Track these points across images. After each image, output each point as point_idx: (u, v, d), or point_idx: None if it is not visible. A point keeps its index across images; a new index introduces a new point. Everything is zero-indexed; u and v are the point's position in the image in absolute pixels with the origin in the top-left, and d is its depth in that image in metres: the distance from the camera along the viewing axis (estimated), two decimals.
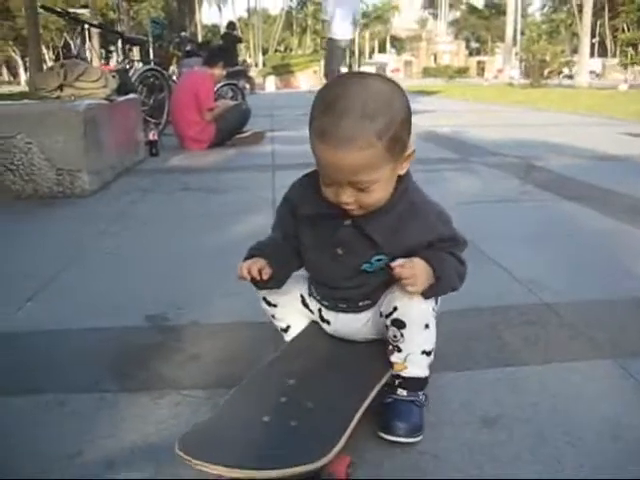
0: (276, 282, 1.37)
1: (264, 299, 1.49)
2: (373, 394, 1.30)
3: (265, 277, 1.31)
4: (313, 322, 1.53)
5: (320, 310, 1.46)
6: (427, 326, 1.29)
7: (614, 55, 50.72)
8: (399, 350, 1.31)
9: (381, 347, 1.37)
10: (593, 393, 1.46)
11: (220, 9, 61.50)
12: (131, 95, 5.25)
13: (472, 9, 55.44)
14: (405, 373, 1.33)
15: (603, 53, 47.19)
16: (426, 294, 1.26)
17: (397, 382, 1.34)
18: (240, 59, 17.53)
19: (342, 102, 1.14)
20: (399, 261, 1.23)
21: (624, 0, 49.03)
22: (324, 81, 9.51)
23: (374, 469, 1.20)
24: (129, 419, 1.37)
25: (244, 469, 1.06)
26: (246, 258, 1.36)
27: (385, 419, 1.30)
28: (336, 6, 8.60)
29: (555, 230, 2.90)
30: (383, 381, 1.34)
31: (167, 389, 1.49)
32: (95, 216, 3.38)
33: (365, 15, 69.66)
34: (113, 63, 6.83)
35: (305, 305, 1.49)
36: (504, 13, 35.83)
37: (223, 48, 7.06)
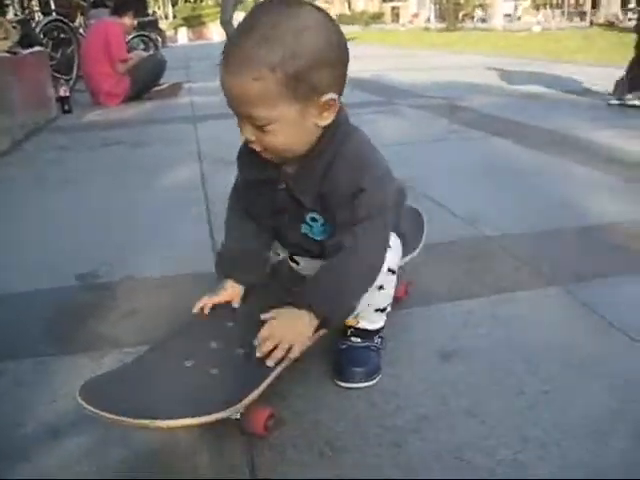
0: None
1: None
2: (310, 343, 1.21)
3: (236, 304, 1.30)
4: (277, 263, 1.43)
5: (291, 255, 1.38)
6: (381, 287, 1.22)
7: None
8: None
9: None
10: (544, 320, 1.47)
11: None
12: (37, 48, 4.92)
13: None
14: (357, 326, 1.29)
15: None
16: (326, 327, 1.14)
17: (350, 332, 1.30)
18: (150, 11, 16.81)
19: (249, 25, 1.02)
20: (265, 316, 1.13)
21: None
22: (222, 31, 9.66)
23: (334, 413, 1.16)
24: (70, 382, 1.27)
25: (141, 418, 0.98)
26: (217, 266, 1.33)
27: (340, 366, 1.26)
28: None
29: (486, 165, 2.91)
30: (315, 336, 1.22)
31: (107, 347, 1.40)
32: (10, 177, 3.17)
33: None
34: (10, 16, 6.33)
35: (276, 253, 1.40)
36: None
37: None
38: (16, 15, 6.82)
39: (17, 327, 1.55)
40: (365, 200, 1.12)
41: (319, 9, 1.07)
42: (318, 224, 1.20)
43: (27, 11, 6.54)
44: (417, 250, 1.49)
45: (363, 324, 1.28)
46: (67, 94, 5.33)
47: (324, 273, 1.14)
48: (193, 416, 1.00)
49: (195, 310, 1.27)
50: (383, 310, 1.28)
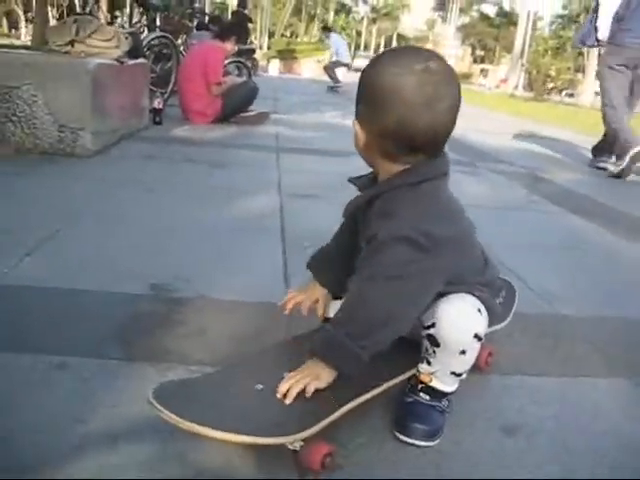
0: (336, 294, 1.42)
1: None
2: (378, 390, 1.23)
3: (320, 310, 1.41)
4: None
5: None
6: (463, 352, 1.20)
7: None
8: (428, 363, 1.25)
9: (411, 348, 1.28)
10: (612, 410, 1.42)
11: None
12: (141, 60, 5.13)
13: (483, 16, 55.44)
14: (430, 384, 1.27)
15: None
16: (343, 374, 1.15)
17: (420, 387, 1.27)
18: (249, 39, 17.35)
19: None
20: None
21: None
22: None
23: (389, 467, 1.15)
24: (133, 390, 1.29)
25: (214, 428, 1.01)
26: (308, 267, 1.46)
27: (403, 419, 1.24)
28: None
29: (564, 242, 2.86)
30: (395, 381, 1.27)
31: (173, 362, 1.42)
32: (97, 177, 3.28)
33: (375, 10, 69.40)
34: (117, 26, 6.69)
35: None
36: (514, 24, 35.86)
37: (237, 23, 6.92)
38: (123, 27, 7.16)
39: (86, 325, 1.58)
40: (375, 251, 1.13)
41: (439, 70, 1.12)
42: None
43: (138, 25, 6.84)
44: (506, 321, 1.47)
45: (435, 384, 1.26)
46: (160, 107, 5.52)
47: (331, 323, 1.18)
48: (252, 435, 1.02)
49: (282, 304, 1.40)
50: (459, 375, 1.25)
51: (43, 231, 2.25)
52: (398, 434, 1.23)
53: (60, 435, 1.14)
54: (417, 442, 1.21)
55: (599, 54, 5.45)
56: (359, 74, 1.17)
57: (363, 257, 1.18)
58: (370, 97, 1.14)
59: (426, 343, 1.22)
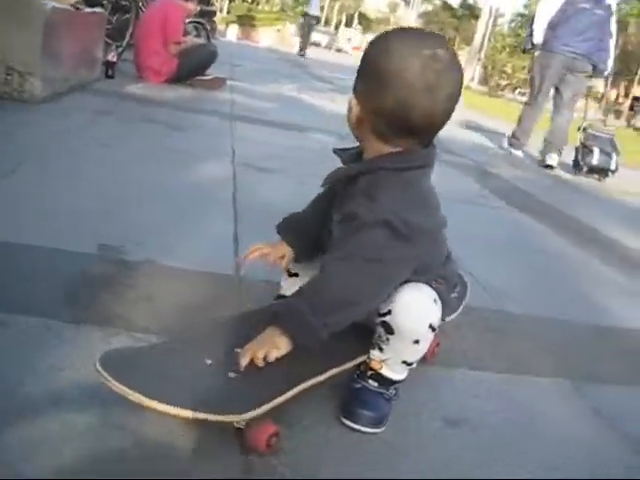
0: (301, 259, 1.42)
1: (287, 271, 1.48)
2: (328, 374, 1.21)
3: (284, 265, 1.41)
4: None
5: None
6: (417, 342, 1.19)
7: None
8: (380, 350, 1.23)
9: (363, 334, 1.27)
10: (550, 410, 1.46)
11: None
12: (98, 9, 4.93)
13: (446, 5, 55.75)
14: (380, 371, 1.26)
15: None
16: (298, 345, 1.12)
17: (370, 373, 1.27)
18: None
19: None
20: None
21: None
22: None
23: (333, 451, 1.14)
24: (77, 354, 1.25)
25: (161, 402, 0.99)
26: (277, 230, 1.43)
27: (350, 405, 1.24)
28: None
29: (512, 240, 2.91)
30: (344, 367, 1.26)
31: (119, 328, 1.37)
32: (46, 127, 3.15)
33: None
34: None
35: None
36: (475, 17, 36.16)
37: None
38: None
39: (31, 282, 1.51)
40: (355, 231, 1.13)
41: (444, 52, 1.12)
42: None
43: None
44: (456, 314, 1.48)
45: (386, 371, 1.25)
46: (114, 60, 5.33)
47: (294, 294, 1.17)
48: (200, 411, 1.00)
49: (248, 254, 1.38)
50: (410, 364, 1.25)
51: None
52: (344, 419, 1.23)
53: (2, 396, 1.09)
54: (363, 428, 1.21)
55: (533, 58, 5.97)
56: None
57: (340, 235, 1.18)
58: (372, 74, 1.12)
59: (380, 330, 1.21)
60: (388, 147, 1.17)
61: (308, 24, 15.52)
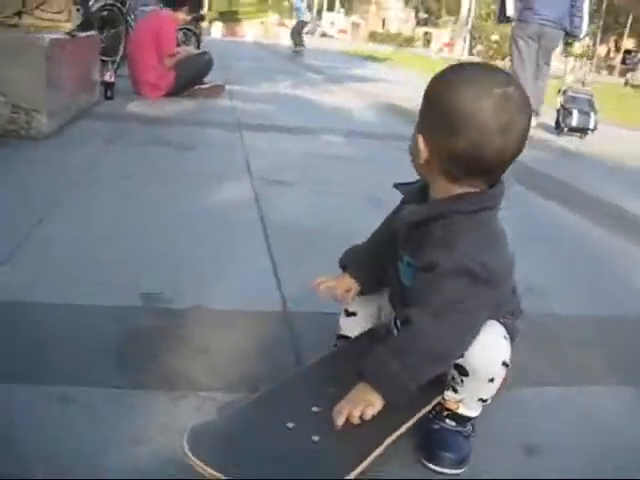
0: (366, 292, 1.40)
1: (345, 310, 1.45)
2: (409, 423, 1.19)
3: (349, 298, 1.37)
4: (382, 325, 1.42)
5: (396, 318, 1.36)
6: (492, 380, 1.17)
7: None
8: (455, 391, 1.21)
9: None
10: (625, 422, 1.43)
11: None
12: (93, 32, 4.89)
13: None
14: (457, 411, 1.23)
15: None
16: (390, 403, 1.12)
17: (446, 413, 1.24)
18: None
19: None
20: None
21: None
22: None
23: None
24: (150, 423, 1.23)
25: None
26: (340, 264, 1.41)
27: (431, 447, 1.22)
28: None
29: (538, 230, 2.88)
30: (424, 411, 1.24)
31: (183, 389, 1.35)
32: (57, 163, 3.12)
33: None
34: None
35: (391, 301, 1.39)
36: None
37: None
38: None
39: (80, 347, 1.48)
40: (438, 280, 1.10)
41: (510, 93, 1.09)
42: (410, 269, 1.22)
43: None
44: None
45: (462, 410, 1.23)
46: (112, 80, 5.29)
47: (384, 350, 1.13)
48: None
49: (315, 284, 1.37)
50: (485, 401, 1.23)
51: (13, 232, 2.12)
52: (426, 462, 1.21)
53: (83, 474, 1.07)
54: (446, 470, 1.19)
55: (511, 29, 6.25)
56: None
57: (422, 287, 1.14)
58: (442, 115, 1.10)
59: (453, 372, 1.19)
60: (457, 187, 1.14)
61: (299, 27, 16.57)
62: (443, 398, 1.24)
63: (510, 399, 1.46)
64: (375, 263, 1.36)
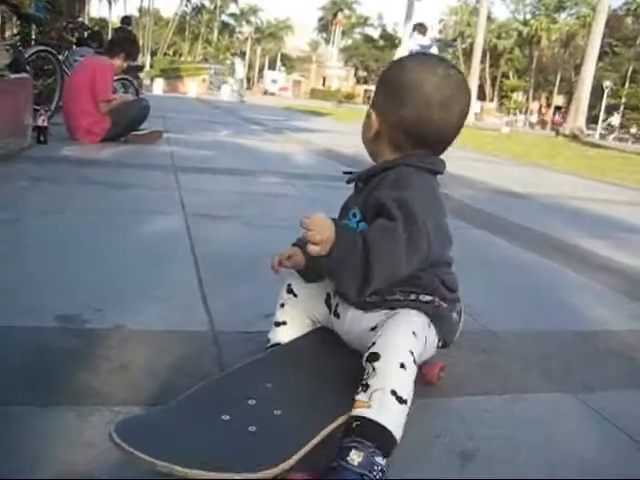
0: (309, 275, 1.40)
1: (288, 285, 1.43)
2: (344, 418, 1.13)
3: (290, 264, 1.37)
4: (318, 329, 1.42)
5: (337, 306, 1.37)
6: (402, 365, 1.09)
7: (491, 100, 54.16)
8: (366, 387, 1.10)
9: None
10: (563, 428, 1.39)
11: (110, 4, 59.22)
12: (24, 74, 4.80)
13: (366, 38, 57.23)
14: (367, 413, 1.07)
15: (481, 97, 50.25)
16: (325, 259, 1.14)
17: (354, 426, 1.07)
18: None
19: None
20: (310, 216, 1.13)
21: (503, 52, 52.73)
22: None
23: None
24: (56, 440, 1.12)
25: (181, 466, 0.93)
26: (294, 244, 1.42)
27: None
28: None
29: (474, 258, 2.88)
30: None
31: (96, 404, 1.25)
32: None
33: (258, 31, 69.87)
34: None
35: (327, 304, 1.41)
36: (395, 46, 37.20)
37: (126, 39, 6.64)
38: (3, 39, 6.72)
39: None
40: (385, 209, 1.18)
41: (448, 70, 1.28)
42: (354, 221, 1.29)
43: (18, 37, 6.43)
44: (457, 334, 1.43)
45: (374, 411, 1.07)
46: (45, 124, 5.18)
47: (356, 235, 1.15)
48: (229, 472, 0.95)
49: (275, 264, 1.38)
50: (401, 400, 1.08)
51: None
52: None
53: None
54: None
55: None
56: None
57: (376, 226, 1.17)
58: (393, 90, 1.27)
59: (366, 367, 1.13)
60: (391, 153, 1.30)
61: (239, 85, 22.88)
62: (353, 405, 1.11)
63: (446, 408, 1.42)
64: None
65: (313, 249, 1.10)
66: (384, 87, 1.30)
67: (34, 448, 1.10)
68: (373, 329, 1.25)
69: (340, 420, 1.13)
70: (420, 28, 11.36)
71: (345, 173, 1.39)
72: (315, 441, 1.06)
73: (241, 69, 23.84)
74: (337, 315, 1.37)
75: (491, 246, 3.19)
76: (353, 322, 1.34)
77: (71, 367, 1.40)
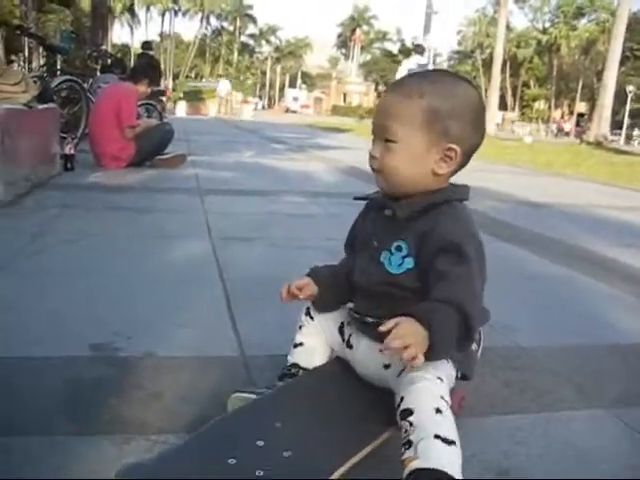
0: (321, 306, 1.39)
1: (307, 308, 1.43)
2: (357, 457, 1.12)
3: (303, 296, 1.34)
4: (331, 362, 1.38)
5: (350, 336, 1.35)
6: (438, 410, 1.07)
7: (512, 109, 53.96)
8: (409, 443, 1.06)
9: (388, 403, 1.17)
10: (597, 445, 1.38)
11: (132, 30, 60.34)
12: (51, 104, 4.91)
13: (385, 52, 57.45)
14: (416, 465, 1.01)
15: (502, 107, 50.13)
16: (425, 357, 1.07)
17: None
18: None
19: (422, 75, 1.29)
20: (387, 325, 1.05)
21: (523, 61, 52.53)
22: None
23: None
24: (92, 470, 1.15)
25: None
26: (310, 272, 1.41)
27: None
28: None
29: (502, 272, 2.87)
30: (374, 443, 1.16)
31: (131, 433, 1.27)
32: (13, 231, 3.05)
33: (278, 50, 70.51)
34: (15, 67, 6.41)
35: (340, 332, 1.39)
36: None
37: (148, 65, 6.77)
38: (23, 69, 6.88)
39: (23, 398, 1.40)
40: (447, 261, 1.16)
41: (468, 82, 1.28)
42: (399, 255, 1.23)
43: (45, 68, 6.59)
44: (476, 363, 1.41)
45: (422, 462, 1.01)
46: (72, 152, 5.29)
47: (438, 305, 1.12)
48: None
49: (283, 295, 1.35)
50: (447, 442, 1.03)
51: None
52: None
53: None
54: None
55: None
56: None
57: (449, 266, 1.17)
58: (467, 116, 1.21)
59: (403, 425, 1.08)
60: (438, 183, 1.25)
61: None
62: (402, 462, 1.06)
63: (479, 427, 1.41)
64: (339, 279, 1.38)
65: (417, 362, 1.04)
66: (452, 116, 1.19)
67: (76, 475, 1.12)
68: (387, 366, 1.23)
69: (354, 460, 1.10)
70: (418, 48, 12.35)
71: (357, 199, 1.38)
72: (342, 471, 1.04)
73: (223, 87, 28.46)
74: (350, 346, 1.35)
75: (518, 259, 3.17)
76: (366, 354, 1.30)
77: (105, 396, 1.42)
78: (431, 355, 1.07)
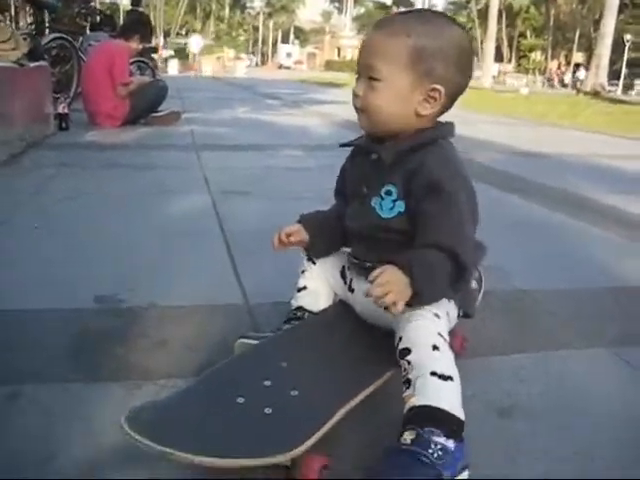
0: (314, 251, 1.40)
1: (297, 289, 1.43)
2: (361, 396, 1.13)
3: (293, 240, 1.34)
4: (334, 305, 1.39)
5: (351, 280, 1.36)
6: (435, 347, 1.07)
7: (509, 61, 53.35)
8: (408, 382, 1.07)
9: (391, 343, 1.17)
10: (598, 382, 1.41)
11: None
12: (42, 62, 4.84)
13: (380, 5, 56.44)
14: (414, 402, 1.03)
15: (498, 59, 49.50)
16: (412, 303, 1.08)
17: (409, 416, 1.03)
18: None
19: (408, 14, 1.26)
20: (373, 274, 1.06)
21: (519, 11, 51.74)
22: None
23: None
24: (102, 414, 1.17)
25: (195, 454, 0.91)
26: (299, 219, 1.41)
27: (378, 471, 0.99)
28: None
29: (501, 219, 2.88)
30: (377, 383, 1.17)
31: (139, 379, 1.29)
32: (12, 189, 3.05)
33: (270, 4, 69.21)
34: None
35: (342, 276, 1.39)
36: None
37: (139, 21, 6.64)
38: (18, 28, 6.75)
39: (32, 347, 1.42)
40: (434, 201, 1.15)
41: (453, 21, 1.25)
42: (389, 199, 1.22)
43: (33, 26, 6.47)
44: (478, 301, 1.43)
45: (420, 398, 1.03)
46: (66, 111, 5.24)
47: (424, 252, 1.12)
48: (245, 457, 0.93)
49: (275, 243, 1.36)
50: (443, 378, 1.04)
51: None
52: None
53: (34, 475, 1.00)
54: None
55: None
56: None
57: (432, 207, 1.16)
58: (453, 57, 1.18)
59: (402, 365, 1.10)
60: (423, 123, 1.21)
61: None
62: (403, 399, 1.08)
63: (481, 367, 1.44)
64: (329, 223, 1.39)
65: (398, 309, 1.04)
66: (437, 57, 1.16)
67: (86, 423, 1.14)
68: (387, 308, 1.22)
69: (358, 398, 1.11)
70: None
71: (343, 145, 1.36)
72: (333, 421, 1.04)
73: (195, 44, 29.48)
74: (352, 290, 1.36)
75: (516, 207, 3.18)
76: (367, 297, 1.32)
77: (111, 345, 1.44)
78: (416, 301, 1.08)
